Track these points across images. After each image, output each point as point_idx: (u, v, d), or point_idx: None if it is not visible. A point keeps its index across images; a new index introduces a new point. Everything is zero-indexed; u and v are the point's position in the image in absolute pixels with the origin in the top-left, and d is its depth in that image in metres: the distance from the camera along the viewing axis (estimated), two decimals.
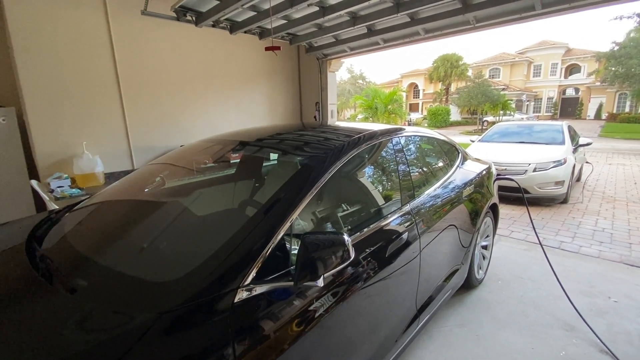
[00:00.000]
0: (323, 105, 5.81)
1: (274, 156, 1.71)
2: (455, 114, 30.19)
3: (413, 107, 40.61)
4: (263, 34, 4.63)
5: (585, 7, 3.19)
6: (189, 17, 3.88)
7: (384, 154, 1.98)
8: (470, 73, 31.26)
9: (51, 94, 3.66)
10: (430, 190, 2.12)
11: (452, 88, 32.80)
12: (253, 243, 1.12)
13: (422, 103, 38.97)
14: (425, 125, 30.05)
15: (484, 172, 2.92)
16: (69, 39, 3.70)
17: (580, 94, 32.24)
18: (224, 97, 5.15)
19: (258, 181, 1.71)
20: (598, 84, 27.27)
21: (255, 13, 3.85)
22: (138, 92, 4.27)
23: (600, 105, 29.58)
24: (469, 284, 2.69)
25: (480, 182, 2.73)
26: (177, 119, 4.68)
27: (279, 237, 1.16)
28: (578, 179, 6.74)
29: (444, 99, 32.96)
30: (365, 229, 1.54)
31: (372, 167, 1.95)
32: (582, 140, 6.20)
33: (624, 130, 18.63)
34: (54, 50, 3.62)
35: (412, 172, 2.04)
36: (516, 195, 5.28)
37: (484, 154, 5.86)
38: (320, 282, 1.09)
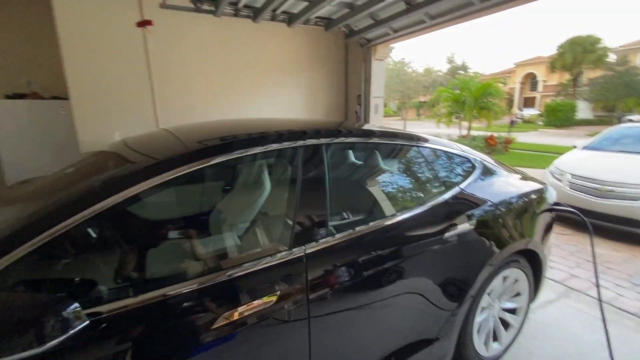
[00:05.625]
0: (366, 98, 5.10)
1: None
2: (585, 111, 24.32)
3: (528, 102, 34.56)
4: (291, 19, 4.23)
5: None
6: (206, 7, 3.74)
7: (281, 168, 1.38)
8: (613, 58, 24.63)
9: (91, 87, 4.01)
10: (371, 223, 1.41)
11: (584, 78, 26.47)
12: None
13: (541, 97, 32.70)
14: (540, 123, 25.06)
15: (519, 198, 1.94)
16: (107, 35, 3.98)
17: None
18: (256, 89, 4.96)
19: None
20: None
21: None
22: (169, 86, 4.39)
23: None
24: None
25: (505, 214, 1.80)
26: (206, 111, 4.68)
27: None
28: None
29: (570, 92, 26.91)
30: (199, 279, 1.02)
31: (250, 188, 1.37)
32: None
33: None
34: (94, 46, 3.93)
35: (336, 195, 1.38)
36: (628, 230, 3.66)
37: (583, 166, 4.30)
38: None
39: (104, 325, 0.88)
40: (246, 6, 3.85)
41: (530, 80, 34.45)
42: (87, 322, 0.83)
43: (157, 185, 1.03)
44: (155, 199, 1.28)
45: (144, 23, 2.89)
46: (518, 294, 2.02)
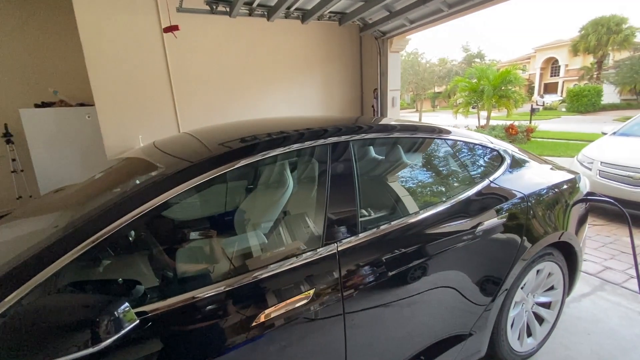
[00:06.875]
0: (382, 92, 5.04)
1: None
2: (611, 95, 23.19)
3: (550, 88, 33.24)
4: (305, 16, 4.21)
5: None
6: (221, 8, 3.78)
7: (308, 168, 1.38)
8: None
9: (114, 93, 4.12)
10: (395, 221, 1.39)
11: (610, 61, 25.24)
12: None
13: (563, 82, 31.39)
14: (563, 109, 24.11)
15: (550, 189, 1.87)
16: (127, 41, 4.07)
17: None
18: (271, 87, 4.98)
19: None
20: None
21: None
22: (187, 88, 4.47)
23: None
24: (499, 358, 1.79)
25: (536, 206, 1.75)
26: (225, 111, 4.75)
27: None
28: None
29: (594, 76, 25.73)
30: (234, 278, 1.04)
31: (277, 186, 1.37)
32: None
33: None
34: (115, 52, 4.03)
35: (365, 192, 1.37)
36: None
37: (614, 153, 4.12)
38: None
39: (150, 324, 0.91)
40: (260, 5, 3.86)
41: (552, 66, 33.12)
42: (137, 321, 0.86)
43: (187, 190, 1.06)
44: (186, 202, 1.31)
45: (170, 28, 2.95)
46: (552, 288, 1.96)
